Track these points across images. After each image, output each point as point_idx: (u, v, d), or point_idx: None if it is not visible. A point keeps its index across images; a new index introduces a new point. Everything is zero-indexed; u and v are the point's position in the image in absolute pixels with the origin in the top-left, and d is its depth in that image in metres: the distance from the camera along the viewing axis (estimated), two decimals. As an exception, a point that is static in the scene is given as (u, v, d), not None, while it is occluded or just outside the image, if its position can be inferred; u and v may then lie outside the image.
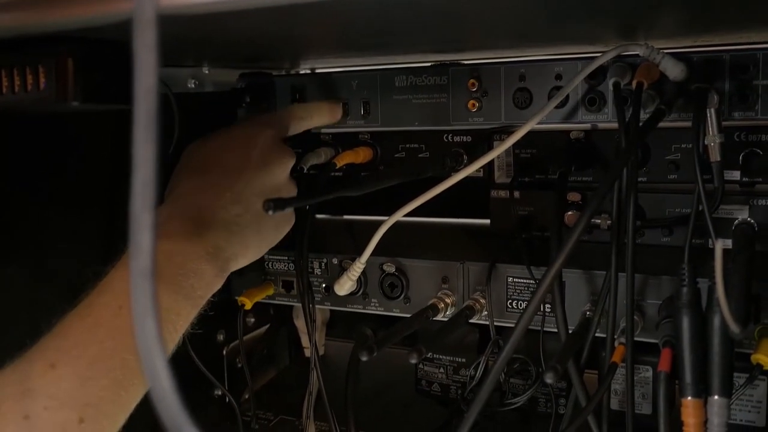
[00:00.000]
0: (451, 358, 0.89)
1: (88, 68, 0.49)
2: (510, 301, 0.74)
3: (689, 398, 0.58)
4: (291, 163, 0.72)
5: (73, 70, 0.49)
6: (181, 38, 0.55)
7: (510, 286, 0.74)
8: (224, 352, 0.95)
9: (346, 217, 0.95)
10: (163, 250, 0.59)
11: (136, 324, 0.25)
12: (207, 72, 0.89)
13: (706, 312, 0.59)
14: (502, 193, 0.81)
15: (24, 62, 0.50)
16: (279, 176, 0.71)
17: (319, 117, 0.79)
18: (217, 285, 0.65)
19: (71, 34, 0.46)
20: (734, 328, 0.46)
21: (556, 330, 0.67)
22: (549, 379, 0.55)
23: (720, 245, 0.42)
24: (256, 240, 0.70)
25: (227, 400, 0.92)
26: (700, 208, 0.61)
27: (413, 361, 0.61)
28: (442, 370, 0.90)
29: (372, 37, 0.66)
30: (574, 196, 0.76)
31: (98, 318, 0.54)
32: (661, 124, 0.66)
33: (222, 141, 0.71)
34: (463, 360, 0.88)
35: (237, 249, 0.67)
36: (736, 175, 0.70)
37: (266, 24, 0.50)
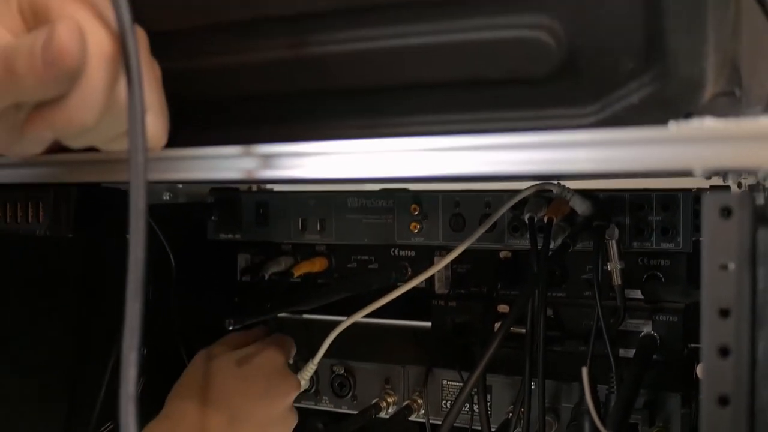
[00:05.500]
0: (394, 454, 0.97)
1: (79, 207, 0.59)
2: (444, 401, 0.83)
3: (589, 494, 0.67)
4: (295, 392, 0.78)
5: (66, 208, 0.59)
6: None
7: (444, 389, 0.83)
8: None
9: (305, 316, 1.03)
10: None
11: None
12: (181, 186, 0.99)
13: (603, 416, 0.68)
14: (441, 303, 0.91)
15: (27, 198, 0.60)
16: (280, 406, 0.76)
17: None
18: None
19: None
20: (603, 431, 0.55)
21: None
22: (466, 474, 0.64)
23: (585, 372, 0.52)
24: None
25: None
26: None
27: (352, 458, 0.70)
28: (386, 465, 0.97)
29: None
30: (503, 308, 0.86)
31: None
32: (575, 249, 0.77)
33: (228, 360, 0.76)
34: (405, 456, 0.96)
35: None
36: (639, 293, 0.81)
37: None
